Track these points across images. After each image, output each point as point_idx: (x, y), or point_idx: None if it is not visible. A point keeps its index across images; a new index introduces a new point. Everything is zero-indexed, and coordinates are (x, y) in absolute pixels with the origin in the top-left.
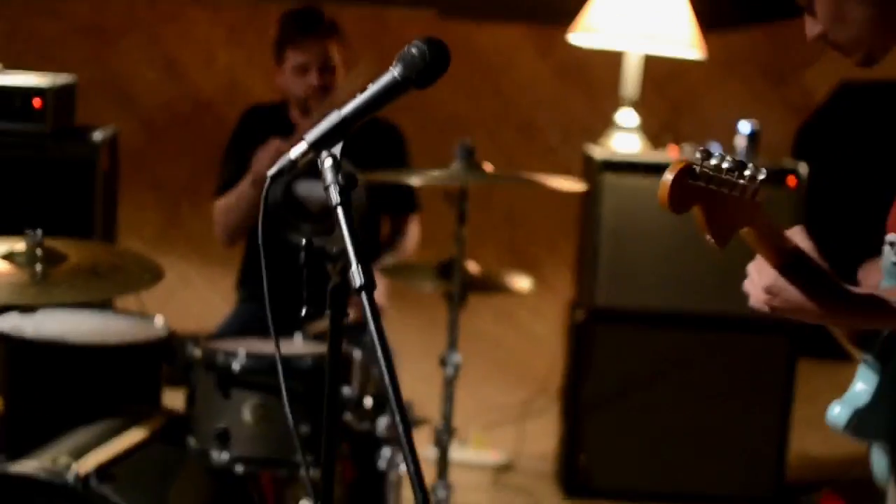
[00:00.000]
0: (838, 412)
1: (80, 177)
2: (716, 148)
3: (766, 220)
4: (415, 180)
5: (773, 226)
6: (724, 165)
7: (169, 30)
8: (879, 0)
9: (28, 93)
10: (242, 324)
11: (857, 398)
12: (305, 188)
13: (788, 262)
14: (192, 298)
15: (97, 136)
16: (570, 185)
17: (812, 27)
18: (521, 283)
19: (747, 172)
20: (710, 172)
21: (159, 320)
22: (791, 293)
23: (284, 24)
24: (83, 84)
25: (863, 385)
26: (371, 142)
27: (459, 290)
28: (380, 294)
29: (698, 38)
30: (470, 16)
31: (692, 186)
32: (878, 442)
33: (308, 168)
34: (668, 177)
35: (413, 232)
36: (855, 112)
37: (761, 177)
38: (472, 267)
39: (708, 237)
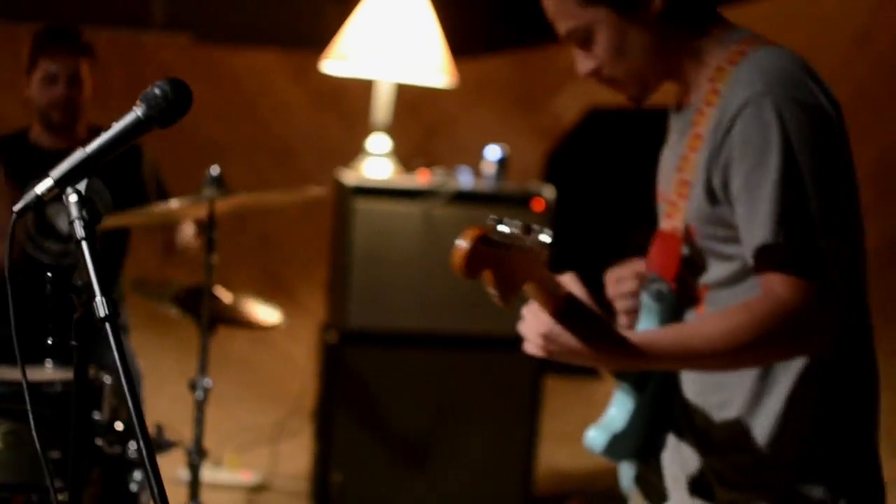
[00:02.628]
0: (595, 436)
1: None
2: (498, 221)
3: (544, 273)
4: (163, 208)
5: (550, 276)
6: (513, 231)
7: None
8: (657, 31)
9: None
10: None
11: (613, 423)
12: (54, 208)
13: (564, 309)
14: None
15: None
16: (313, 191)
17: (585, 63)
18: (270, 315)
19: (533, 235)
20: (500, 238)
21: None
22: (566, 339)
23: (39, 35)
24: None
25: (617, 411)
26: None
27: (208, 318)
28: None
29: (449, 65)
30: (225, 40)
31: (485, 252)
32: (628, 461)
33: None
34: (464, 245)
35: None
36: (602, 137)
37: (546, 238)
38: (223, 294)
39: (494, 295)
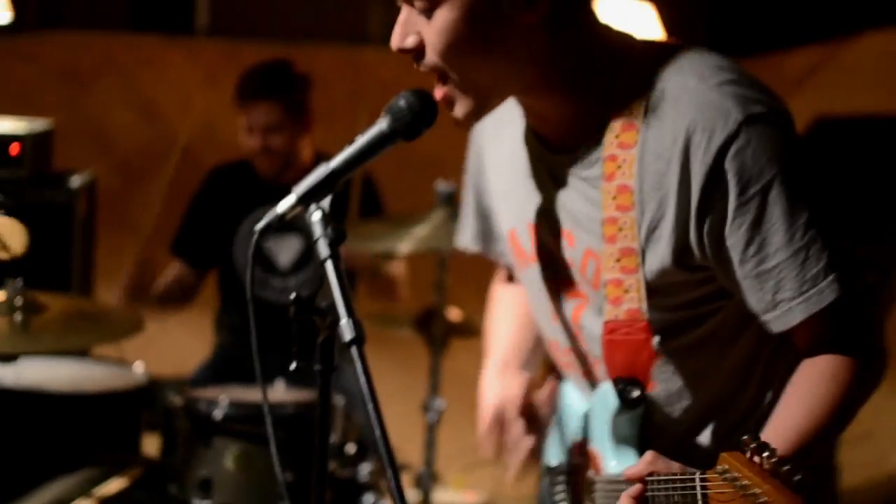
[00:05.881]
0: None
1: (58, 222)
2: None
3: None
4: (400, 245)
5: None
6: None
7: (145, 72)
8: (532, 32)
9: (5, 140)
10: (219, 370)
11: None
12: (273, 244)
13: None
14: (169, 342)
15: (75, 182)
16: None
17: (405, 36)
18: None
19: None
20: None
21: (139, 367)
22: None
23: (239, 82)
24: (60, 127)
25: None
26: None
27: (441, 335)
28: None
29: None
30: None
31: None
32: None
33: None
34: None
35: (397, 272)
36: (832, 148)
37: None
38: (454, 314)
39: None
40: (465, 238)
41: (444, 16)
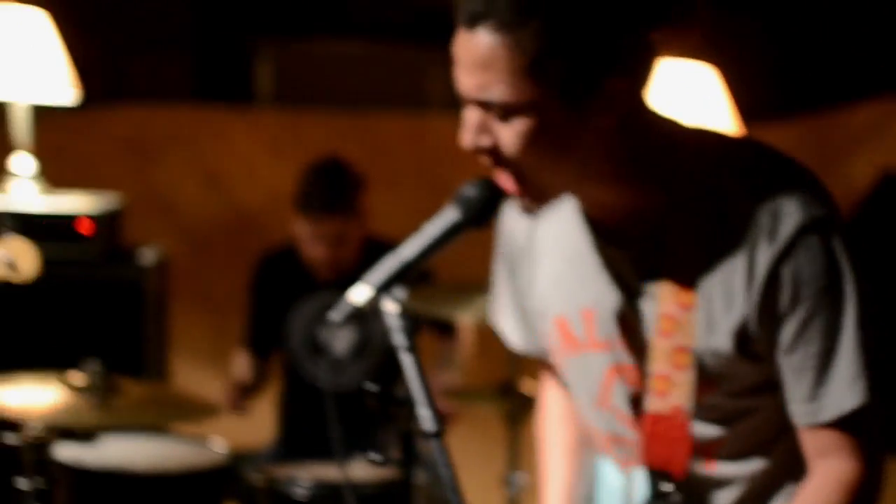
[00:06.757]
0: None
1: (129, 300)
2: None
3: None
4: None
5: None
6: None
7: (211, 143)
8: (600, 133)
9: (75, 218)
10: (289, 451)
11: None
12: (327, 331)
13: None
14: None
15: (145, 258)
16: None
17: (478, 136)
18: None
19: None
20: None
21: (218, 443)
22: None
23: (305, 183)
24: (127, 200)
25: None
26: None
27: (517, 408)
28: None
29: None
30: None
31: None
32: None
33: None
34: None
35: (464, 339)
36: None
37: None
38: (529, 385)
39: None
40: (516, 340)
41: (521, 122)
